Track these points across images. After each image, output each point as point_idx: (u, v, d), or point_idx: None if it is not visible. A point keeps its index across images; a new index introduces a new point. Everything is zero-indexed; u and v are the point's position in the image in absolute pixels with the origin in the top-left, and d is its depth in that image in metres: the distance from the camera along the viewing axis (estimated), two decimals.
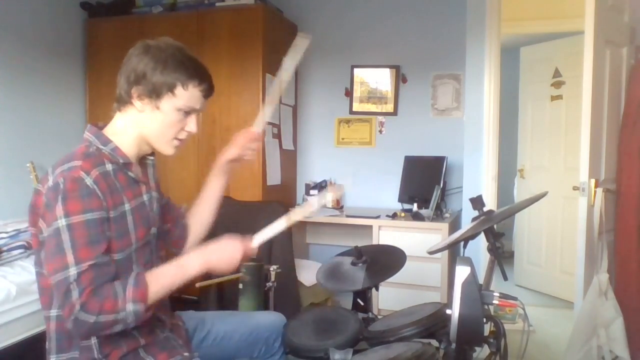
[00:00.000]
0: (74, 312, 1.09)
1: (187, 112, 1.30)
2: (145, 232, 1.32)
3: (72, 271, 1.10)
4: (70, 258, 1.11)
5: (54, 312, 1.24)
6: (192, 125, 1.33)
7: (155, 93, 1.25)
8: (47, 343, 1.28)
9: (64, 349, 1.24)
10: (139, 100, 1.26)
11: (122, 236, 1.23)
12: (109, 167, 1.25)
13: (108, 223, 1.18)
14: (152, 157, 1.44)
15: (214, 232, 2.76)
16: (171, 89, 1.25)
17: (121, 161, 1.27)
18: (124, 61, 1.28)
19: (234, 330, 1.61)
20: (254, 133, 1.55)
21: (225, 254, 1.29)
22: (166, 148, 1.34)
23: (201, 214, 1.59)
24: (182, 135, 1.34)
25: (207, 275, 2.63)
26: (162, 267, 1.25)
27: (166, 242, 1.52)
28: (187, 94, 1.27)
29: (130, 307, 1.13)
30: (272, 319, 1.71)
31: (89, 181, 1.15)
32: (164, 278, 1.21)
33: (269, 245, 2.64)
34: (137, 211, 1.29)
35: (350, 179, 1.44)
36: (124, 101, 1.29)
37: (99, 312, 1.10)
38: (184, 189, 3.36)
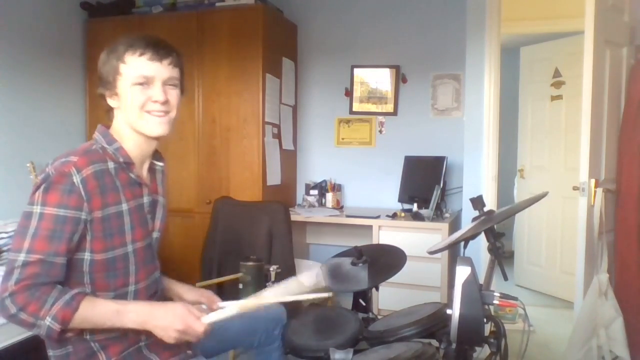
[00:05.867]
0: (3, 295, 1.11)
1: (145, 84, 1.26)
2: (144, 234, 1.32)
3: (22, 257, 1.12)
4: (26, 244, 1.13)
5: None
6: (156, 93, 1.26)
7: (109, 83, 1.27)
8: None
9: (60, 344, 1.24)
10: (108, 97, 1.30)
11: (113, 235, 1.23)
12: (110, 165, 1.26)
13: (89, 224, 1.18)
14: (161, 164, 1.44)
15: (214, 233, 2.78)
16: (116, 71, 1.26)
17: (121, 160, 1.28)
18: None
19: (232, 320, 1.60)
20: (215, 306, 1.47)
21: (166, 322, 1.19)
22: (146, 127, 1.28)
23: None
24: (150, 107, 1.28)
25: (207, 275, 2.64)
26: (103, 302, 1.19)
27: None
28: (129, 67, 1.25)
29: (47, 321, 1.11)
30: (271, 308, 1.71)
31: (75, 179, 1.16)
32: (96, 314, 1.16)
33: (268, 245, 2.64)
34: (136, 212, 1.30)
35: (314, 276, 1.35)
36: (105, 106, 1.33)
37: (21, 308, 1.10)
38: (184, 189, 3.36)
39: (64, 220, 1.15)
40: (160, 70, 1.27)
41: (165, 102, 1.29)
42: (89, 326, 1.19)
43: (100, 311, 1.17)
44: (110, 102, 1.30)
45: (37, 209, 1.15)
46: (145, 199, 1.35)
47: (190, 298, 1.49)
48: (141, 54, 1.25)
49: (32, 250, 1.13)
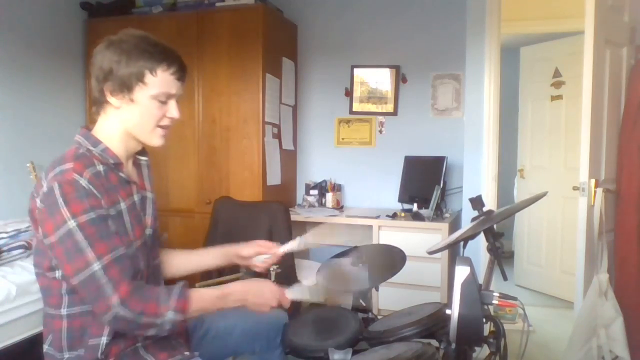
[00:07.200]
0: (112, 307, 1.12)
1: (164, 99, 1.28)
2: (141, 232, 1.32)
3: (96, 267, 1.13)
4: (90, 255, 1.13)
5: (64, 311, 1.23)
6: (173, 110, 1.30)
7: (125, 86, 1.23)
8: (45, 344, 1.28)
9: (74, 346, 1.24)
10: (113, 96, 1.25)
11: (122, 234, 1.24)
12: (100, 168, 1.24)
13: (111, 219, 1.20)
14: (145, 158, 1.43)
15: (214, 233, 2.78)
16: (140, 78, 1.23)
17: (111, 161, 1.26)
18: (91, 62, 1.27)
19: (233, 326, 1.61)
20: (276, 251, 1.58)
21: (263, 298, 1.33)
22: (152, 139, 1.32)
23: (178, 266, 1.57)
24: (165, 122, 1.31)
25: (207, 276, 2.64)
26: (206, 290, 1.30)
27: None
28: (157, 80, 1.25)
29: (171, 315, 1.17)
30: (272, 314, 1.71)
31: (83, 182, 1.16)
32: (204, 300, 1.26)
33: None
34: (132, 210, 1.30)
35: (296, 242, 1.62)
36: (100, 102, 1.28)
37: (140, 312, 1.13)
38: (184, 189, 3.36)
39: (100, 220, 1.16)
40: (179, 89, 1.31)
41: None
42: (200, 313, 1.28)
43: (207, 298, 1.27)
44: (113, 100, 1.25)
45: (72, 223, 1.13)
46: (136, 197, 1.34)
47: (248, 253, 1.57)
48: (172, 73, 1.27)
49: (99, 255, 1.14)
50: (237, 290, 1.33)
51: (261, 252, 1.57)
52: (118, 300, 1.12)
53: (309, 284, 1.49)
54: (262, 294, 1.34)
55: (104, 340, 1.23)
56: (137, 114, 1.27)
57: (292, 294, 1.40)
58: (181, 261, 1.57)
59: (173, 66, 1.26)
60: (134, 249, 1.27)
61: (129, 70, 1.22)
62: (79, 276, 1.13)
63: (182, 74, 1.30)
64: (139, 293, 1.15)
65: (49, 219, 1.15)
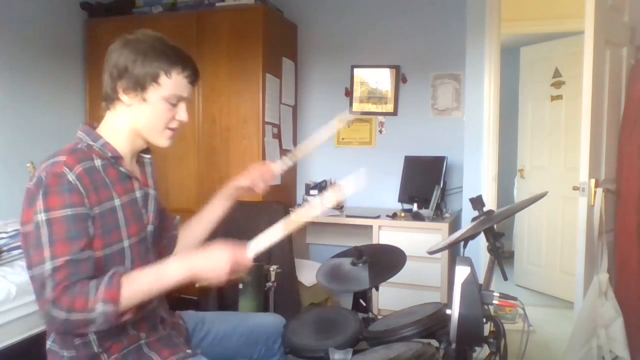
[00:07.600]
0: (47, 307, 1.09)
1: (175, 102, 1.29)
2: (138, 229, 1.31)
3: (48, 266, 1.11)
4: (47, 253, 1.11)
5: None
6: (182, 113, 1.31)
7: (139, 85, 1.24)
8: (49, 341, 1.28)
9: (68, 345, 1.24)
10: (125, 94, 1.26)
11: (110, 232, 1.23)
12: (97, 162, 1.24)
13: (91, 220, 1.18)
14: (148, 156, 1.43)
15: (213, 233, 2.77)
16: (155, 78, 1.24)
17: (109, 155, 1.26)
18: (106, 58, 1.28)
19: (233, 331, 1.60)
20: (270, 169, 1.56)
21: (212, 263, 1.19)
22: (160, 139, 1.33)
23: (194, 231, 1.58)
24: (174, 125, 1.32)
25: None
26: (140, 271, 1.19)
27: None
28: (171, 82, 1.26)
29: (100, 307, 1.09)
30: (271, 320, 1.71)
31: (71, 177, 1.15)
32: (140, 283, 1.16)
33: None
34: (129, 207, 1.29)
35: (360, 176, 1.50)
36: (111, 98, 1.29)
37: (69, 309, 1.09)
38: (184, 189, 3.36)
39: (75, 218, 1.14)
40: (190, 93, 1.32)
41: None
42: (139, 298, 1.16)
43: (142, 281, 1.17)
44: (125, 98, 1.26)
45: (42, 216, 1.12)
46: (138, 193, 1.34)
47: (247, 182, 1.55)
48: (186, 77, 1.28)
49: (55, 256, 1.11)
50: (179, 261, 1.21)
51: (257, 175, 1.54)
52: (51, 300, 1.09)
53: (267, 231, 1.32)
54: (211, 259, 1.19)
55: (92, 336, 1.22)
56: (147, 114, 1.28)
57: (253, 250, 1.24)
58: (193, 227, 1.58)
59: (187, 70, 1.28)
60: (123, 246, 1.26)
61: (145, 70, 1.23)
62: (32, 270, 1.13)
63: (195, 78, 1.31)
64: (70, 290, 1.10)
65: (28, 207, 1.16)
